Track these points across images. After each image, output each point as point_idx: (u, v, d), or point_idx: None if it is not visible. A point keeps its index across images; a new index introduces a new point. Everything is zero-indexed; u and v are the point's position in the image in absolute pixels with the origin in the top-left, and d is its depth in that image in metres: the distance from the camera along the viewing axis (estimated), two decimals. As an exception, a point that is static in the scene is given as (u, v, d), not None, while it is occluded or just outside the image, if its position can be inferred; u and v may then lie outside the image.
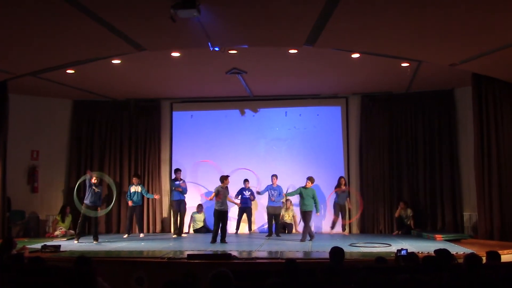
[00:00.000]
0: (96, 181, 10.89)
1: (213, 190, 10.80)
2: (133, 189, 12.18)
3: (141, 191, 12.25)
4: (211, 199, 11.09)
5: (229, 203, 10.99)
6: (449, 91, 12.26)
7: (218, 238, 10.36)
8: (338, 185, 12.41)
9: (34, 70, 9.89)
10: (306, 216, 10.80)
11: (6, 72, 9.81)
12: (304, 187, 10.95)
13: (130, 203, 12.04)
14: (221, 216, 10.49)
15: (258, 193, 12.09)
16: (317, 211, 10.95)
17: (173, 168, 13.09)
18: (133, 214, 12.14)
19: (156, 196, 12.43)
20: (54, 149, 13.04)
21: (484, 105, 10.53)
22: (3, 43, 8.03)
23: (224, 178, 10.74)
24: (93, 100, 13.21)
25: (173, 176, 12.57)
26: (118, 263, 8.01)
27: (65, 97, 12.96)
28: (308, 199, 10.81)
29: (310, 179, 11.07)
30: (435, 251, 6.00)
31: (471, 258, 5.06)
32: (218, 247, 9.65)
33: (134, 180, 12.31)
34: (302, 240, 10.53)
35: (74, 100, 13.28)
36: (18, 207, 12.04)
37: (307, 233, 10.69)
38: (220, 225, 10.47)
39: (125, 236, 11.80)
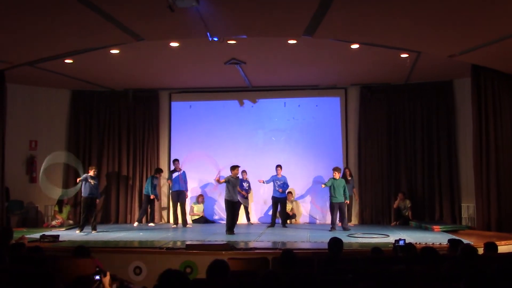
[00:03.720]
0: (94, 173, 10.94)
1: (224, 177, 10.75)
2: (155, 181, 12.46)
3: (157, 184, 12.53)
4: (218, 181, 10.92)
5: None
6: (448, 82, 12.24)
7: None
8: (344, 177, 12.29)
9: (32, 60, 9.85)
10: (341, 207, 10.90)
11: (3, 61, 9.77)
12: (334, 178, 10.96)
13: (152, 196, 12.34)
14: (233, 206, 10.55)
15: (263, 182, 12.11)
16: (346, 199, 11.01)
17: (172, 158, 13.07)
18: (148, 205, 12.39)
19: (152, 196, 12.44)
20: (52, 139, 13.02)
21: (483, 96, 10.52)
22: (0, 32, 7.98)
23: (233, 168, 10.68)
24: (91, 90, 13.17)
25: (172, 167, 12.55)
26: (116, 253, 8.04)
27: (63, 87, 12.92)
28: (339, 190, 10.84)
29: (338, 169, 11.11)
30: (449, 240, 6.06)
31: (467, 250, 5.07)
32: (222, 238, 9.64)
33: (157, 175, 12.59)
34: (346, 229, 10.71)
35: (72, 90, 13.25)
36: (17, 197, 12.05)
37: (345, 222, 10.94)
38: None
39: (136, 224, 12.11)
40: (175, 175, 12.11)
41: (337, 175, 10.97)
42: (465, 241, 8.34)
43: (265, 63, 10.91)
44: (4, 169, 10.80)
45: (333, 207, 10.91)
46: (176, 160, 12.34)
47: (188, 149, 13.25)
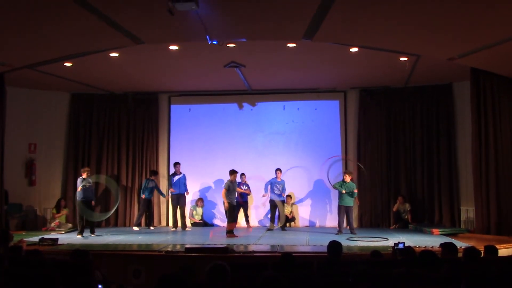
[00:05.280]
0: (87, 175, 10.79)
1: (223, 186, 10.70)
2: (151, 184, 12.35)
3: (154, 186, 12.44)
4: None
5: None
6: (447, 86, 12.25)
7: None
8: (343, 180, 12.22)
9: (32, 62, 9.85)
10: (348, 211, 10.85)
11: (3, 64, 9.76)
12: (344, 181, 10.94)
13: (143, 196, 12.33)
14: (233, 208, 10.52)
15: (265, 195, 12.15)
16: (354, 195, 10.95)
17: (171, 161, 13.09)
18: (144, 208, 12.31)
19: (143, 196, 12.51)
20: (51, 142, 13.02)
21: (482, 100, 10.52)
22: (0, 35, 7.99)
23: (232, 173, 10.65)
24: (90, 93, 13.17)
25: (172, 170, 12.49)
26: (115, 256, 8.02)
27: (63, 90, 12.92)
28: (348, 194, 10.81)
29: (349, 173, 11.11)
30: (441, 244, 6.06)
31: (470, 252, 5.06)
32: (222, 241, 9.62)
33: (154, 177, 12.50)
34: (353, 232, 10.63)
35: (72, 93, 13.25)
36: (16, 200, 12.02)
37: (351, 226, 10.83)
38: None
39: (136, 228, 12.00)
40: (175, 178, 12.06)
41: (348, 178, 10.95)
42: (464, 244, 8.34)
43: (265, 66, 10.91)
44: (3, 172, 10.76)
45: (340, 210, 10.91)
46: (177, 163, 12.26)
47: (188, 152, 13.26)
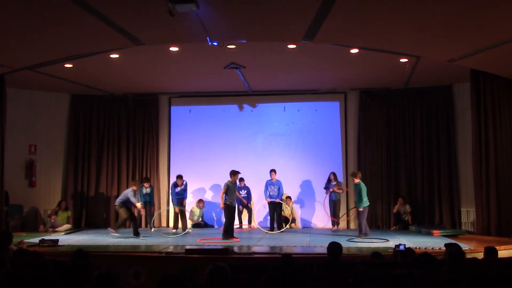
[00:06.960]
0: (138, 187, 11.50)
1: (222, 186, 10.62)
2: (145, 190, 12.29)
3: (151, 191, 12.42)
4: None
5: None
6: (447, 87, 12.25)
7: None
8: (328, 181, 12.10)
9: (32, 64, 9.85)
10: (358, 214, 10.60)
11: (3, 66, 9.78)
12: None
13: (139, 205, 12.11)
14: (232, 210, 10.43)
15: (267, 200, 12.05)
16: (356, 204, 10.61)
17: (172, 162, 13.17)
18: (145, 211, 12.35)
19: (141, 209, 12.25)
20: (52, 143, 13.02)
21: (482, 101, 10.53)
22: (0, 37, 8.00)
23: (233, 174, 10.50)
24: (91, 94, 13.17)
25: (174, 180, 12.33)
26: (116, 257, 8.02)
27: (63, 91, 12.92)
28: (356, 195, 10.57)
29: (354, 174, 10.80)
30: (446, 244, 6.06)
31: (455, 252, 5.02)
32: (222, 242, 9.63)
33: (146, 184, 12.36)
34: (360, 236, 10.25)
35: (72, 94, 13.25)
36: (16, 202, 12.02)
37: (363, 229, 10.45)
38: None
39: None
40: (177, 189, 11.96)
41: (356, 181, 10.63)
42: (465, 245, 8.34)
43: (265, 67, 10.91)
44: (3, 173, 10.77)
45: (357, 213, 10.75)
46: (179, 177, 12.01)
47: (188, 154, 13.27)
